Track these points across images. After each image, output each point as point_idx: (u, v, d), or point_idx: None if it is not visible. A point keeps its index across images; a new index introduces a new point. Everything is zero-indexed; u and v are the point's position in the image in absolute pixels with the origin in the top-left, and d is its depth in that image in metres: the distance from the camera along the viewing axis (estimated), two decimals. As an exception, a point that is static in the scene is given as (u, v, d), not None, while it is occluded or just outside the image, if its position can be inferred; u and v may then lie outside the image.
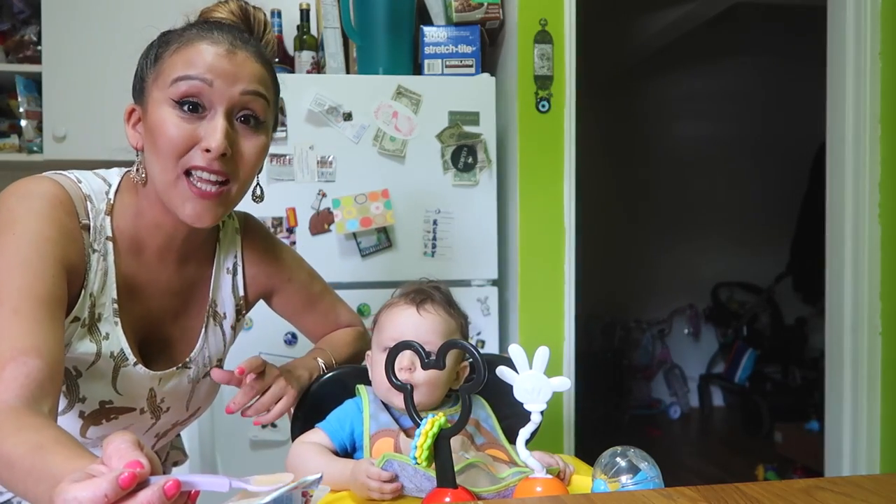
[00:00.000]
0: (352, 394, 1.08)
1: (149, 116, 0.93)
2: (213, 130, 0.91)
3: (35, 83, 2.40)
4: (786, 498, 0.71)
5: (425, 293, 1.08)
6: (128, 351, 0.98)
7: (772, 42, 4.51)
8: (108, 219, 0.97)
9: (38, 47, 2.37)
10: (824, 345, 2.40)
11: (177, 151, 0.91)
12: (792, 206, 4.46)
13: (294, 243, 2.05)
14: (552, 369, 0.81)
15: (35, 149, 2.39)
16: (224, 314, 1.13)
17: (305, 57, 2.23)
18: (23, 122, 2.41)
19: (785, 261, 4.50)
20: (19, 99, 2.40)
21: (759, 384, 4.32)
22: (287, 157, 2.05)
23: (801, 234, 4.39)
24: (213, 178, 0.92)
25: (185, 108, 0.91)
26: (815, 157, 4.10)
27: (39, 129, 2.39)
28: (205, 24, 0.96)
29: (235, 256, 1.15)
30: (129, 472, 0.54)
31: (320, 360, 1.17)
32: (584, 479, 0.98)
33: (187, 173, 0.92)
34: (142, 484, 0.54)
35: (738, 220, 4.78)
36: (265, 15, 1.04)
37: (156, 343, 1.05)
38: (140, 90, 0.97)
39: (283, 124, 2.05)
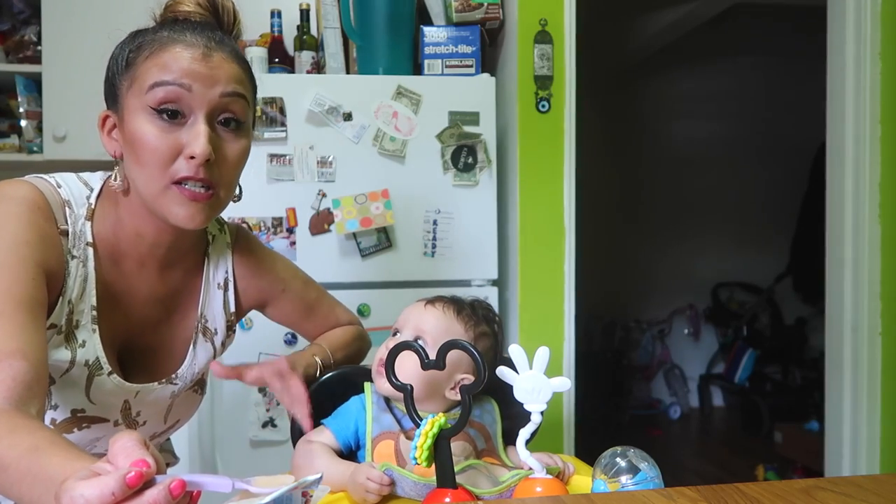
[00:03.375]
0: (354, 393, 1.08)
1: (126, 126, 0.91)
2: (196, 136, 0.88)
3: (35, 83, 2.40)
4: (786, 498, 0.71)
5: (448, 297, 1.08)
6: (103, 360, 0.96)
7: (772, 42, 4.51)
8: (88, 224, 0.95)
9: (38, 47, 2.37)
10: (824, 345, 2.40)
11: (162, 162, 0.89)
12: (792, 206, 4.46)
13: (294, 243, 2.06)
14: (552, 369, 0.81)
15: (35, 149, 2.39)
16: (215, 330, 1.11)
17: (305, 57, 2.23)
18: (23, 122, 2.41)
19: (785, 261, 4.50)
20: (19, 99, 2.40)
21: (759, 384, 4.32)
22: (287, 157, 2.05)
23: (801, 234, 4.39)
24: (198, 184, 0.90)
25: (165, 115, 0.88)
26: (815, 157, 4.09)
27: (39, 129, 2.38)
28: (176, 25, 0.93)
29: (227, 272, 1.12)
30: (136, 470, 0.54)
31: (318, 358, 1.15)
32: (584, 479, 0.98)
33: (174, 182, 0.90)
34: (147, 483, 0.54)
35: (738, 220, 4.78)
36: (233, 4, 1.00)
37: (135, 352, 1.03)
38: (113, 97, 0.94)
39: (283, 124, 2.05)
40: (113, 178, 0.96)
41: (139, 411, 1.04)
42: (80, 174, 0.99)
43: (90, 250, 0.95)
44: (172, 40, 0.90)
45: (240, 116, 0.94)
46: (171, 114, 0.89)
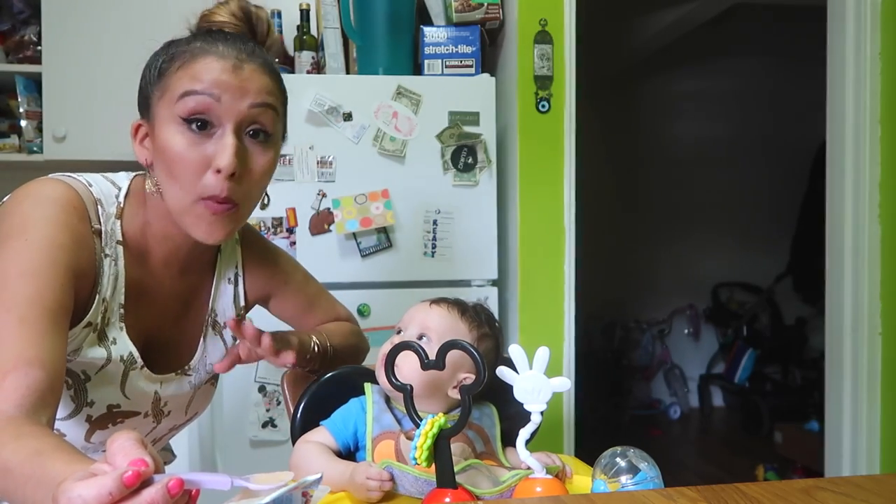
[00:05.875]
0: (354, 393, 1.08)
1: (157, 136, 0.92)
2: (224, 149, 0.89)
3: (35, 83, 2.40)
4: (786, 498, 0.71)
5: (452, 299, 1.09)
6: (136, 355, 0.99)
7: (772, 42, 4.51)
8: (118, 223, 0.97)
9: (38, 47, 2.37)
10: (824, 345, 2.40)
11: (191, 175, 0.90)
12: (792, 206, 4.46)
13: (294, 244, 2.06)
14: (552, 369, 0.81)
15: (35, 149, 2.39)
16: (224, 324, 1.14)
17: (305, 57, 2.23)
18: (23, 122, 2.41)
19: (785, 261, 4.50)
20: (19, 99, 2.39)
21: (759, 384, 4.32)
22: (287, 157, 2.05)
23: (801, 234, 4.39)
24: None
25: (194, 126, 0.89)
26: (815, 157, 4.09)
27: (39, 129, 2.38)
28: (209, 37, 0.94)
29: (236, 266, 1.15)
30: (133, 470, 0.54)
31: (313, 337, 1.16)
32: (584, 479, 0.98)
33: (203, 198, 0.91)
34: (145, 482, 0.54)
35: (738, 220, 4.78)
36: (267, 14, 1.02)
37: (156, 346, 1.05)
38: (146, 106, 0.95)
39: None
40: (148, 185, 0.97)
41: (166, 402, 1.07)
42: (105, 174, 1.01)
43: (120, 248, 0.97)
44: (204, 51, 0.91)
45: (268, 128, 0.95)
46: (201, 124, 0.90)
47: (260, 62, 0.94)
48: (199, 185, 0.90)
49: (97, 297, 0.93)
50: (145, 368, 1.01)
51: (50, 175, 0.95)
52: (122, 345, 0.98)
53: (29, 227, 0.86)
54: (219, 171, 0.89)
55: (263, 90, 0.93)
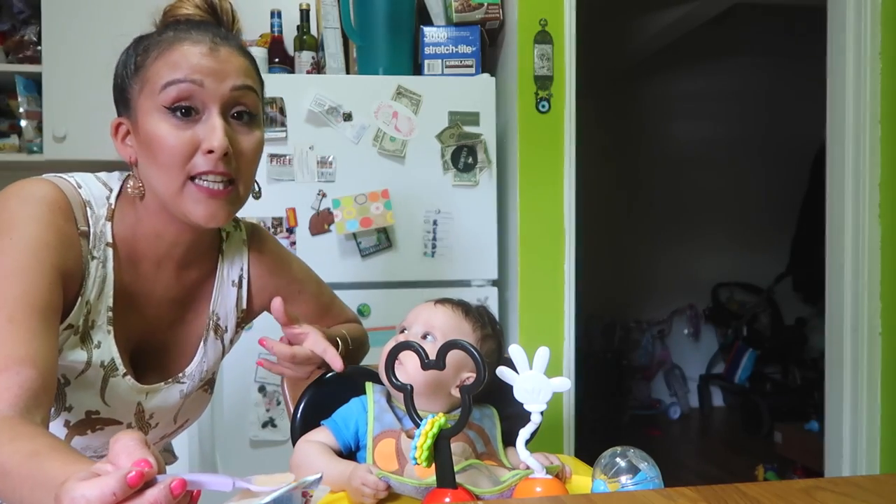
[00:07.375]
0: (354, 393, 1.08)
1: (141, 128, 0.91)
2: (212, 130, 0.89)
3: (35, 83, 2.40)
4: (786, 498, 0.71)
5: (455, 299, 1.09)
6: (118, 361, 0.97)
7: (772, 42, 4.51)
8: (108, 224, 0.95)
9: (38, 47, 2.37)
10: (824, 345, 2.40)
11: (179, 160, 0.89)
12: (792, 206, 4.46)
13: (294, 244, 2.06)
14: (552, 369, 0.81)
15: (35, 149, 2.39)
16: (225, 328, 1.12)
17: (305, 57, 2.23)
18: (23, 122, 2.41)
19: (785, 261, 4.50)
20: (19, 99, 2.40)
21: (759, 384, 4.32)
22: (287, 158, 2.05)
23: (801, 234, 4.39)
24: (218, 178, 0.91)
25: (179, 113, 0.89)
26: (815, 157, 4.09)
27: (39, 129, 2.39)
28: (179, 26, 0.93)
29: (241, 269, 1.12)
30: (136, 470, 0.53)
31: (338, 341, 1.13)
32: (584, 479, 0.98)
33: (192, 178, 0.91)
34: (149, 482, 0.54)
35: (738, 220, 4.77)
36: (231, 5, 1.01)
37: (149, 352, 1.03)
38: (125, 103, 0.94)
39: (283, 124, 2.05)
40: (130, 183, 0.96)
41: (152, 413, 1.04)
42: (98, 174, 0.99)
43: (110, 251, 0.95)
44: (179, 39, 0.91)
45: (252, 109, 0.95)
46: (185, 111, 0.89)
47: (234, 44, 0.94)
48: (188, 167, 0.90)
49: (80, 299, 0.92)
50: (128, 377, 0.98)
51: (42, 175, 0.94)
52: (106, 349, 0.95)
53: (14, 226, 0.85)
54: (210, 152, 0.89)
55: (242, 72, 0.93)
